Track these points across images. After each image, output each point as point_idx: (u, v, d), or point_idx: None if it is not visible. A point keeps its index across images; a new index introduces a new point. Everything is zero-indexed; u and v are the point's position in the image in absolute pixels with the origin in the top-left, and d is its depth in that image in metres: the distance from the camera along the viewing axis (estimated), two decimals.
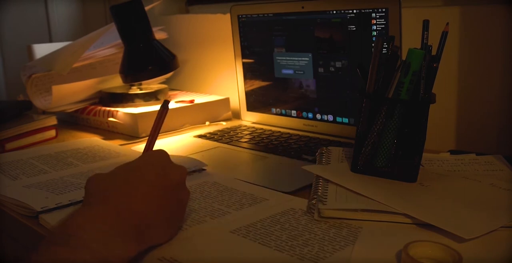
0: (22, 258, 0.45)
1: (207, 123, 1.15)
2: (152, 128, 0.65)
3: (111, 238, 0.48)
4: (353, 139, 0.72)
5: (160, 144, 1.01)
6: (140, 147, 0.98)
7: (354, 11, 0.90)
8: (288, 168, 0.83)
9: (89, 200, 0.53)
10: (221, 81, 1.36)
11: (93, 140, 1.01)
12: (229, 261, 0.52)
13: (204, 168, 0.81)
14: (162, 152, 0.59)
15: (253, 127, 1.09)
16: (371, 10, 0.88)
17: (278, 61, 1.05)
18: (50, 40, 1.73)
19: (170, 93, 1.26)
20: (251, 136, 1.02)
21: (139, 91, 1.18)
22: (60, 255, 0.44)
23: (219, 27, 1.30)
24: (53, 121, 1.08)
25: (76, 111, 1.20)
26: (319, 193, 0.64)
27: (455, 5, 0.92)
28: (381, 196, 0.62)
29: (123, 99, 1.16)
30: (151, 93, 1.18)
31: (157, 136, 0.66)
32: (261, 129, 1.07)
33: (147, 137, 0.66)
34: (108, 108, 1.14)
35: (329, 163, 0.75)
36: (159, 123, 0.65)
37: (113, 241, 0.48)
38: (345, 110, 0.97)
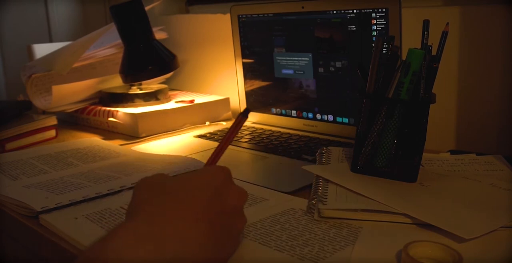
0: None
1: (207, 123, 1.15)
2: (223, 139, 0.57)
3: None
4: (353, 139, 0.72)
5: (160, 144, 1.01)
6: (140, 147, 0.98)
7: (354, 11, 0.90)
8: (288, 168, 0.83)
9: (135, 208, 0.47)
10: (221, 81, 1.36)
11: (93, 140, 1.01)
12: (229, 261, 0.52)
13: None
14: (224, 170, 0.52)
15: (253, 127, 1.09)
16: (371, 10, 0.88)
17: (278, 61, 1.05)
18: (50, 40, 1.73)
19: (170, 93, 1.26)
20: (251, 136, 1.02)
21: (139, 91, 1.18)
22: None
23: (219, 27, 1.30)
24: (53, 121, 1.08)
25: (76, 111, 1.20)
26: (319, 193, 0.64)
27: (455, 5, 0.92)
28: (381, 196, 0.62)
29: (123, 99, 1.16)
30: (151, 93, 1.18)
31: (225, 149, 0.57)
32: (261, 129, 1.07)
33: (215, 149, 0.58)
34: (108, 108, 1.14)
35: (329, 163, 0.75)
36: (232, 134, 0.58)
37: None
38: (345, 110, 0.97)
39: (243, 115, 0.57)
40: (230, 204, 0.49)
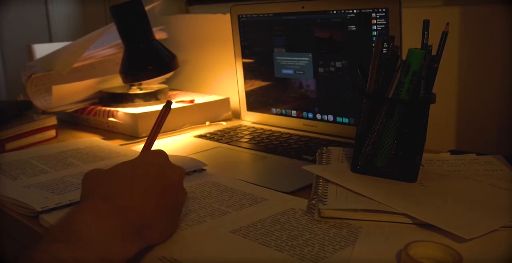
0: (23, 255, 0.44)
1: (207, 123, 1.15)
2: (153, 127, 0.65)
3: (113, 238, 0.48)
4: (353, 139, 0.72)
5: (160, 144, 1.01)
6: (140, 147, 0.98)
7: (354, 11, 0.90)
8: (288, 168, 0.83)
9: (88, 195, 0.53)
10: (221, 81, 1.36)
11: (93, 140, 1.01)
12: (229, 261, 0.52)
13: (204, 168, 0.81)
14: (161, 152, 0.59)
15: (253, 127, 1.09)
16: (371, 10, 0.88)
17: (278, 61, 1.05)
18: (50, 40, 1.73)
19: (170, 93, 1.26)
20: (251, 136, 1.02)
21: (139, 91, 1.18)
22: (63, 254, 0.44)
23: (219, 27, 1.30)
24: (53, 121, 1.08)
25: (76, 111, 1.20)
26: (319, 193, 0.64)
27: (455, 5, 0.92)
28: (381, 196, 0.62)
29: (123, 99, 1.16)
30: (151, 93, 1.18)
31: (157, 136, 0.66)
32: (261, 129, 1.07)
33: (147, 136, 0.66)
34: (108, 108, 1.14)
35: (329, 163, 0.75)
36: (161, 123, 0.66)
37: (115, 240, 0.48)
38: (345, 110, 0.97)
39: (166, 107, 0.66)
40: (171, 179, 0.55)
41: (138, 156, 0.58)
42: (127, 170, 0.55)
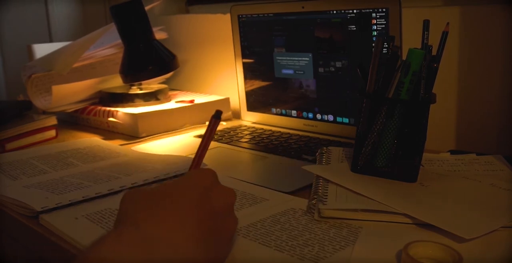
0: None
1: (207, 123, 1.15)
2: (202, 142, 0.57)
3: None
4: (353, 139, 0.72)
5: (160, 144, 1.01)
6: (140, 147, 0.98)
7: (354, 11, 0.90)
8: (288, 168, 0.83)
9: (121, 219, 0.47)
10: (221, 81, 1.36)
11: (93, 140, 1.01)
12: (229, 261, 0.52)
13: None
14: (209, 172, 0.52)
15: (253, 127, 1.09)
16: (371, 10, 0.88)
17: (278, 61, 1.05)
18: (50, 40, 1.73)
19: (170, 93, 1.26)
20: (251, 136, 1.02)
21: (139, 91, 1.18)
22: None
23: (219, 27, 1.30)
24: (53, 121, 1.08)
25: (76, 111, 1.20)
26: (319, 193, 0.64)
27: (455, 5, 0.92)
28: (381, 196, 0.62)
29: (123, 99, 1.16)
30: (151, 93, 1.18)
31: (205, 152, 0.57)
32: (261, 129, 1.07)
33: (195, 153, 0.58)
34: (108, 108, 1.14)
35: (329, 163, 0.75)
36: (210, 136, 0.57)
37: None
38: (345, 110, 0.97)
39: (216, 118, 0.58)
40: (219, 204, 0.49)
41: (184, 177, 0.51)
42: (168, 193, 0.48)
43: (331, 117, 0.99)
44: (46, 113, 1.15)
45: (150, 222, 0.44)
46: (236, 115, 1.18)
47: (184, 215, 0.46)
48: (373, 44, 0.88)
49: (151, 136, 1.06)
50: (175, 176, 0.77)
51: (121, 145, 1.00)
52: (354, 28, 0.91)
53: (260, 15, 1.06)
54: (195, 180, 0.50)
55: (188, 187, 0.49)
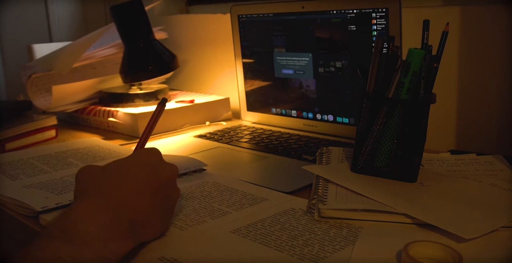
0: (20, 253, 0.45)
1: (207, 123, 1.15)
2: (147, 126, 0.66)
3: (108, 234, 0.49)
4: (353, 139, 0.72)
5: (161, 144, 1.01)
6: None
7: (354, 11, 0.90)
8: (288, 168, 0.83)
9: (83, 191, 0.54)
10: (221, 81, 1.36)
11: (93, 140, 1.01)
12: (229, 261, 0.52)
13: (204, 168, 0.81)
14: (154, 150, 0.59)
15: (253, 127, 1.09)
16: (371, 10, 0.88)
17: (278, 61, 1.05)
18: (50, 40, 1.73)
19: (170, 93, 1.26)
20: (251, 136, 1.02)
21: (139, 91, 1.18)
22: (61, 251, 0.45)
23: (219, 27, 1.30)
24: (53, 121, 1.09)
25: (76, 111, 1.20)
26: (319, 193, 0.64)
27: (455, 5, 0.92)
28: (381, 196, 0.62)
29: (123, 99, 1.16)
30: (151, 93, 1.18)
31: (150, 134, 0.66)
32: (261, 129, 1.07)
33: (141, 135, 0.66)
34: (108, 108, 1.14)
35: (329, 163, 0.75)
36: (155, 121, 0.66)
37: (110, 237, 0.49)
38: (345, 110, 0.97)
39: (161, 105, 0.66)
40: (166, 178, 0.56)
41: (131, 154, 0.59)
42: (121, 167, 0.56)
43: (331, 117, 1.00)
44: (46, 113, 1.15)
45: (115, 192, 0.52)
46: (236, 115, 1.18)
47: (140, 186, 0.53)
48: (373, 44, 0.88)
49: (151, 136, 1.06)
50: None
51: (121, 145, 1.00)
52: (354, 28, 0.91)
53: (260, 15, 1.06)
54: (143, 157, 0.57)
55: (139, 163, 0.56)
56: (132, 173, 0.54)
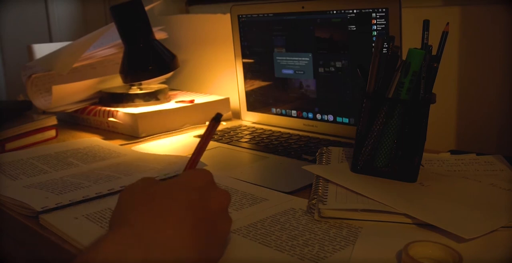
0: None
1: (207, 123, 1.15)
2: (199, 144, 0.56)
3: None
4: (353, 139, 0.72)
5: (160, 144, 1.01)
6: (140, 147, 0.98)
7: (354, 11, 0.90)
8: (288, 168, 0.83)
9: (117, 220, 0.47)
10: (221, 81, 1.36)
11: (93, 140, 1.01)
12: (229, 261, 0.52)
13: (204, 168, 0.81)
14: (204, 173, 0.52)
15: (253, 127, 1.09)
16: (371, 10, 0.88)
17: (278, 61, 1.05)
18: (50, 40, 1.73)
19: (170, 93, 1.26)
20: (251, 136, 1.02)
21: (139, 91, 1.18)
22: None
23: (219, 27, 1.30)
24: (53, 121, 1.08)
25: (76, 111, 1.20)
26: (319, 193, 0.64)
27: (455, 5, 0.92)
28: (381, 196, 0.62)
29: (123, 99, 1.16)
30: (151, 93, 1.18)
31: (202, 153, 0.56)
32: (261, 129, 1.07)
33: (192, 154, 0.56)
34: (108, 108, 1.14)
35: (329, 163, 0.75)
36: (207, 139, 0.56)
37: None
38: (345, 110, 0.97)
39: (215, 120, 0.56)
40: (214, 206, 0.49)
41: (179, 177, 0.51)
42: (164, 192, 0.48)
43: (331, 117, 0.99)
44: (46, 113, 1.15)
45: (146, 222, 0.45)
46: (236, 115, 1.18)
47: (180, 216, 0.46)
48: (373, 44, 0.88)
49: (151, 136, 1.06)
50: (175, 176, 0.77)
51: (121, 145, 1.00)
52: (354, 28, 0.91)
53: (260, 15, 1.06)
54: (191, 181, 0.50)
55: (184, 187, 0.49)
56: (176, 199, 0.47)
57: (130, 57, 1.14)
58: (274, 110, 1.09)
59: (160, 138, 1.05)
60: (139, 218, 0.45)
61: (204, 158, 0.88)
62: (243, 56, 1.11)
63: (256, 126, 1.10)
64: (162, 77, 1.30)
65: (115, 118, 1.11)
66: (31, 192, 0.71)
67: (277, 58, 1.05)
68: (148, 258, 0.42)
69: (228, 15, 1.16)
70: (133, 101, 1.16)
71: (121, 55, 1.16)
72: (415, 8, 0.94)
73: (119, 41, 1.18)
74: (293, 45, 1.02)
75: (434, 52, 0.67)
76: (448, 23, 0.66)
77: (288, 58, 1.03)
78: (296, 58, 1.02)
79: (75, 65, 1.17)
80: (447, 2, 0.97)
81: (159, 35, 1.27)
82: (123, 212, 0.48)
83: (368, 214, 0.59)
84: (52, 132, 1.08)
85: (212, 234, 0.48)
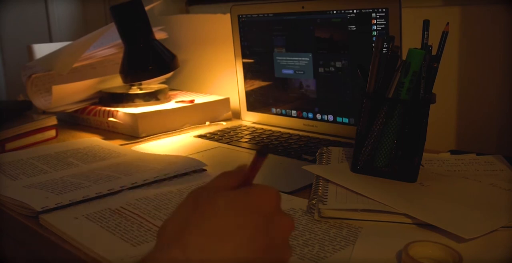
0: None
1: (207, 123, 1.15)
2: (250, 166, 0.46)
3: None
4: (353, 139, 0.72)
5: (160, 144, 1.01)
6: (140, 147, 0.98)
7: (354, 11, 0.90)
8: (288, 168, 0.83)
9: (169, 239, 0.41)
10: (221, 81, 1.36)
11: (93, 140, 1.01)
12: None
13: (204, 168, 0.81)
14: (275, 196, 0.44)
15: (253, 127, 1.09)
16: (371, 10, 0.88)
17: (278, 61, 1.05)
18: (50, 40, 1.73)
19: (170, 93, 1.26)
20: (251, 136, 1.02)
21: (139, 91, 1.18)
22: None
23: (219, 27, 1.30)
24: (53, 121, 1.08)
25: (76, 111, 1.20)
26: (319, 193, 0.64)
27: (455, 5, 0.92)
28: (381, 196, 0.62)
29: (123, 99, 1.16)
30: (151, 93, 1.18)
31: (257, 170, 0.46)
32: (261, 129, 1.07)
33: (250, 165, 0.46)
34: (108, 108, 1.14)
35: (329, 163, 0.75)
36: (253, 173, 0.46)
37: None
38: (345, 110, 0.97)
39: (260, 155, 0.46)
40: (277, 234, 0.43)
41: (248, 194, 0.43)
42: (229, 213, 0.42)
43: (331, 117, 0.99)
44: (46, 113, 1.15)
45: (201, 247, 0.40)
46: (236, 115, 1.18)
47: (240, 243, 0.40)
48: (373, 44, 0.88)
49: (151, 136, 1.06)
50: (175, 176, 0.77)
51: (121, 145, 1.00)
52: (354, 28, 0.91)
53: (260, 15, 1.06)
54: (261, 205, 0.43)
55: (253, 211, 0.42)
56: (241, 224, 0.41)
57: (130, 57, 1.14)
58: (274, 110, 1.09)
59: (160, 138, 1.05)
60: (194, 241, 0.40)
61: (204, 158, 0.88)
62: (243, 56, 1.11)
63: (256, 126, 1.10)
64: (162, 77, 1.30)
65: (115, 118, 1.11)
66: (31, 192, 0.71)
67: (277, 58, 1.05)
68: None
69: (228, 15, 1.16)
70: (133, 101, 1.16)
71: (121, 55, 1.16)
72: (415, 8, 0.94)
73: (119, 41, 1.18)
74: (293, 45, 1.02)
75: (434, 52, 0.67)
76: (448, 23, 0.66)
77: (288, 58, 1.03)
78: (296, 58, 1.02)
79: (75, 65, 1.17)
80: (447, 2, 0.97)
81: (159, 35, 1.27)
82: (178, 226, 0.42)
83: (368, 214, 0.59)
84: (52, 132, 1.08)
85: None
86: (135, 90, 1.19)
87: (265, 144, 0.46)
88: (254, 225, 0.41)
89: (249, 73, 1.11)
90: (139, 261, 0.40)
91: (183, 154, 0.89)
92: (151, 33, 1.15)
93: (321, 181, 0.68)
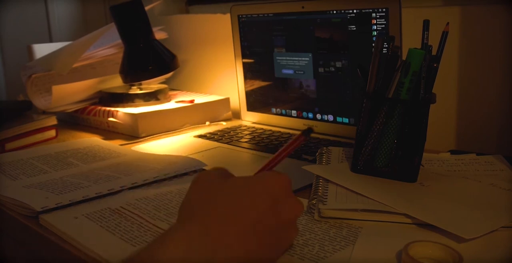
0: None
1: (207, 123, 1.15)
2: (283, 148, 0.54)
3: None
4: (353, 139, 0.72)
5: (160, 144, 1.01)
6: (140, 147, 0.98)
7: (354, 11, 0.90)
8: (288, 168, 0.83)
9: (187, 216, 0.47)
10: (221, 81, 1.36)
11: (93, 140, 1.01)
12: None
13: (204, 168, 0.81)
14: (284, 179, 0.50)
15: (253, 127, 1.09)
16: (371, 10, 0.88)
17: (278, 61, 1.05)
18: (50, 40, 1.73)
19: (170, 93, 1.26)
20: (251, 136, 1.02)
21: (139, 91, 1.18)
22: None
23: (219, 27, 1.30)
24: (53, 121, 1.08)
25: (76, 111, 1.20)
26: (319, 193, 0.64)
27: (455, 5, 0.92)
28: (381, 196, 0.62)
29: (123, 99, 1.16)
30: (151, 93, 1.18)
31: (282, 159, 0.55)
32: (261, 129, 1.07)
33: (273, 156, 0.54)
34: (108, 108, 1.14)
35: (329, 163, 0.75)
36: (293, 147, 0.54)
37: None
38: (345, 110, 0.97)
39: (305, 134, 0.52)
40: (285, 215, 0.48)
41: (259, 177, 0.50)
42: (241, 192, 0.47)
43: (331, 117, 0.99)
44: (46, 113, 1.15)
45: (215, 221, 0.45)
46: (236, 115, 1.18)
47: (251, 221, 0.45)
48: (373, 44, 0.88)
49: (151, 136, 1.06)
50: (175, 176, 0.77)
51: (121, 145, 1.00)
52: (354, 28, 0.91)
53: (260, 15, 1.06)
54: (270, 186, 0.49)
55: (262, 192, 0.48)
56: (251, 203, 0.46)
57: (130, 57, 1.14)
58: (274, 110, 1.09)
59: (160, 138, 1.05)
60: (209, 215, 0.45)
61: (204, 158, 0.88)
62: (243, 56, 1.11)
63: (256, 126, 1.10)
64: (162, 77, 1.30)
65: (115, 118, 1.11)
66: (31, 192, 0.71)
67: (277, 58, 1.05)
68: (213, 258, 0.43)
69: (228, 15, 1.16)
70: (133, 101, 1.16)
71: (121, 55, 1.16)
72: (415, 8, 0.94)
73: (119, 41, 1.18)
74: (293, 45, 1.02)
75: (434, 52, 0.67)
76: (448, 23, 0.66)
77: (288, 58, 1.03)
78: (296, 58, 1.02)
79: (75, 65, 1.17)
80: (447, 2, 0.97)
81: (159, 35, 1.27)
82: (194, 203, 0.47)
83: (368, 214, 0.59)
84: (52, 132, 1.08)
85: (277, 244, 0.49)
86: (135, 90, 1.19)
87: (310, 127, 0.52)
88: (264, 205, 0.46)
89: (249, 73, 1.11)
90: (161, 235, 0.44)
91: (183, 154, 0.89)
92: (151, 33, 1.15)
93: (321, 181, 0.68)
